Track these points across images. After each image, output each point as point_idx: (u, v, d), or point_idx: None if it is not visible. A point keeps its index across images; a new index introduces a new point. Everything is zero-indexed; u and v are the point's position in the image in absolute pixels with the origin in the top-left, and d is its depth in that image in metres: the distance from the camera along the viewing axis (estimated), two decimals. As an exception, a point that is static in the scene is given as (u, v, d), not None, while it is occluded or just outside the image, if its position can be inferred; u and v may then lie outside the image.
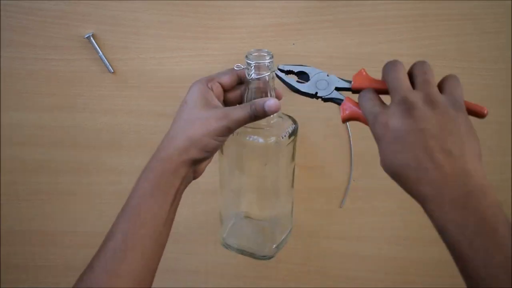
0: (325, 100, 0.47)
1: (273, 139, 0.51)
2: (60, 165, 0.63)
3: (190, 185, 0.48)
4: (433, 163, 0.36)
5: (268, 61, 0.48)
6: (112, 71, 0.60)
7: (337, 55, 0.60)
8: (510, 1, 0.59)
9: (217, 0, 0.58)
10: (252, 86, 0.49)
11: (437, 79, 0.61)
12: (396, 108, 0.38)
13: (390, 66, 0.42)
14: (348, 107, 0.44)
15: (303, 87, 0.47)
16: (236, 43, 0.59)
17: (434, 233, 0.67)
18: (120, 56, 0.60)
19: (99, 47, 0.59)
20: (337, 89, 0.46)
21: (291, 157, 0.55)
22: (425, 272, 0.67)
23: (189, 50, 0.59)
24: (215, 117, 0.45)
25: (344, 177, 0.64)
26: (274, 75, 0.49)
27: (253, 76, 0.48)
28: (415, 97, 0.38)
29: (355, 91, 0.45)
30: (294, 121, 0.54)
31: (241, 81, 0.51)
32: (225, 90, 0.50)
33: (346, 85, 0.46)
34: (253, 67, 0.48)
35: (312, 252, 0.66)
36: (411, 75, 0.42)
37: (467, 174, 0.36)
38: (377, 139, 0.40)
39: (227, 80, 0.49)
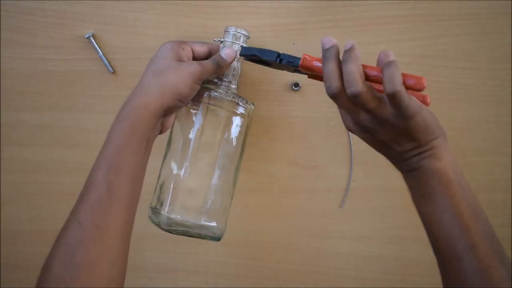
0: (285, 58, 0.47)
1: (244, 108, 0.54)
2: (60, 165, 0.63)
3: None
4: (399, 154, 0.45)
5: (244, 33, 0.53)
6: (112, 71, 0.60)
7: (337, 55, 0.60)
8: (510, 1, 0.59)
9: (217, 0, 0.58)
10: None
11: (436, 79, 0.62)
12: (355, 126, 0.46)
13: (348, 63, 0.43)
14: (311, 58, 0.45)
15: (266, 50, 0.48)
16: (236, 43, 0.59)
17: (434, 233, 0.66)
18: (120, 56, 0.60)
19: (99, 47, 0.59)
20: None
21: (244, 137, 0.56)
22: (425, 272, 0.67)
23: (189, 50, 0.59)
24: (187, 65, 0.48)
25: (344, 177, 0.64)
26: (242, 60, 0.54)
27: (227, 44, 0.53)
28: (367, 121, 0.44)
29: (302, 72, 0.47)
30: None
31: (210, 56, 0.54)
32: (194, 58, 0.53)
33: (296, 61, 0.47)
34: (230, 35, 0.53)
35: (312, 252, 0.66)
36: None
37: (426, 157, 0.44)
38: None
39: (198, 48, 0.53)
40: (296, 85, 0.60)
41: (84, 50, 0.59)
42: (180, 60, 0.50)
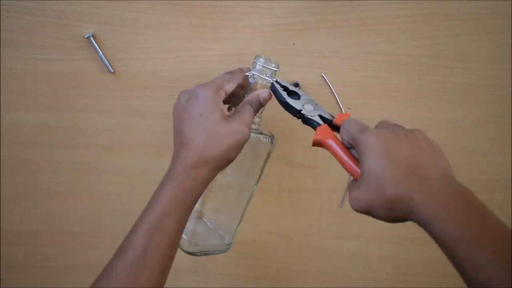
0: (305, 120, 0.49)
1: (270, 139, 0.55)
2: (60, 165, 0.63)
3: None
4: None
5: (274, 68, 0.51)
6: (112, 71, 0.60)
7: (337, 55, 0.60)
8: (510, 1, 0.59)
9: (217, 0, 0.58)
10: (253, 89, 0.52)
11: (436, 79, 0.62)
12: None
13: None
14: (323, 132, 0.46)
15: (291, 100, 0.49)
16: (236, 43, 0.59)
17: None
18: (120, 56, 0.60)
19: (99, 47, 0.59)
20: (320, 117, 0.48)
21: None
22: (425, 272, 0.67)
23: (189, 50, 0.59)
24: (238, 130, 0.46)
25: (344, 177, 0.64)
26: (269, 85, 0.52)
27: (257, 79, 0.51)
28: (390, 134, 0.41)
29: (335, 127, 0.47)
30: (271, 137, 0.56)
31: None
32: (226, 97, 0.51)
33: (329, 117, 0.48)
34: (259, 70, 0.51)
35: (312, 252, 0.66)
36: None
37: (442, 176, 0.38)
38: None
39: (230, 89, 0.50)
40: (296, 85, 0.60)
41: (84, 50, 0.59)
42: (225, 116, 0.47)
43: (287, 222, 0.65)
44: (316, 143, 0.46)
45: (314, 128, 0.47)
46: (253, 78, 0.51)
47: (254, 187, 0.57)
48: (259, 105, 0.51)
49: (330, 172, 0.64)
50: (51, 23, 0.58)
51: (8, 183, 0.63)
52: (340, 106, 0.61)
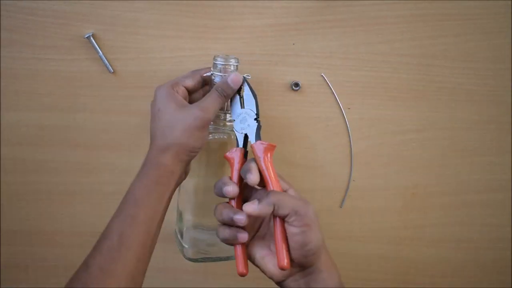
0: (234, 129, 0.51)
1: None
2: (60, 165, 0.63)
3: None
4: None
5: (234, 64, 0.52)
6: (112, 71, 0.60)
7: (337, 55, 0.60)
8: (510, 1, 0.59)
9: (217, 0, 0.58)
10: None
11: (436, 79, 0.62)
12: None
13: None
14: (238, 154, 0.50)
15: (240, 104, 0.52)
16: (236, 43, 0.59)
17: (434, 233, 0.68)
18: (120, 56, 0.59)
19: (99, 47, 0.59)
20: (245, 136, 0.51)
21: None
22: (425, 272, 0.67)
23: (189, 50, 0.59)
24: (190, 117, 0.48)
25: (344, 177, 0.64)
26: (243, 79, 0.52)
27: (217, 79, 0.52)
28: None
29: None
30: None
31: (205, 83, 0.54)
32: (190, 92, 0.53)
33: (251, 140, 0.50)
34: (219, 69, 0.52)
35: (312, 252, 0.66)
36: None
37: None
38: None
39: (190, 83, 0.52)
40: (296, 85, 0.60)
41: (84, 50, 0.59)
42: (180, 105, 0.49)
43: (287, 222, 0.65)
44: (226, 159, 0.50)
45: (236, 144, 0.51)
46: (214, 76, 0.52)
47: None
48: (227, 88, 0.51)
49: (330, 172, 0.64)
50: (51, 23, 0.58)
51: (8, 183, 0.63)
52: (340, 106, 0.61)
